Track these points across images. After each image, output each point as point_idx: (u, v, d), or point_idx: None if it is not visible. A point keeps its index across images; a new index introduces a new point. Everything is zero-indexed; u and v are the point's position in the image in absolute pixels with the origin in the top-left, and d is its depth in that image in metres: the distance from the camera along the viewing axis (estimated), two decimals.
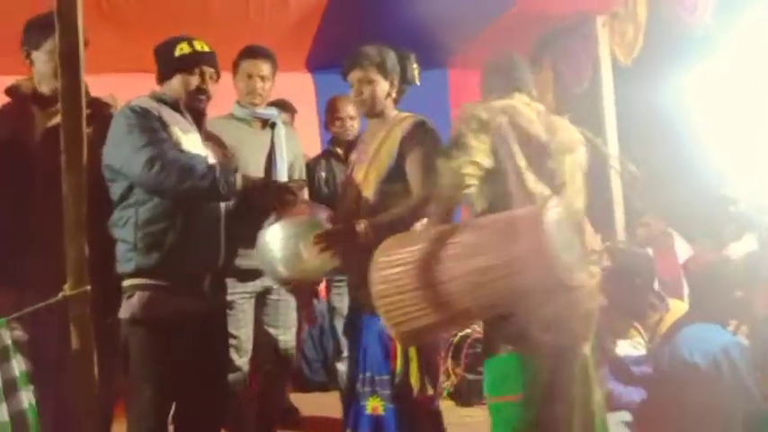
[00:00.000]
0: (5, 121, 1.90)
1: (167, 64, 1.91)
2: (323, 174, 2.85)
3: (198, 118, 1.93)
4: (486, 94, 1.98)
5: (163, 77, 1.92)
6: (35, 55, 1.91)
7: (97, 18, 2.79)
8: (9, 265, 1.79)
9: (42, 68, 1.89)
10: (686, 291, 2.70)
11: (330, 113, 2.93)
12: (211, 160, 1.86)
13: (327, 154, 2.94)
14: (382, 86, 2.01)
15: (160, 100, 1.87)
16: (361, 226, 1.83)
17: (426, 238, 1.61)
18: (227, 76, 2.43)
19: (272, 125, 2.41)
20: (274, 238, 1.81)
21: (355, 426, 1.89)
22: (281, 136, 2.39)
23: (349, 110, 2.78)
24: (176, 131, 1.81)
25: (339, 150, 2.88)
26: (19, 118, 1.89)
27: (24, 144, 1.87)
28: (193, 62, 1.88)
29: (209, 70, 1.90)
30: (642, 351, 2.40)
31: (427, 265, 1.52)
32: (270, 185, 1.97)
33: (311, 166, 2.81)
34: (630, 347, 2.41)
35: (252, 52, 2.37)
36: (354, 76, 2.00)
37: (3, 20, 2.23)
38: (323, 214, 1.89)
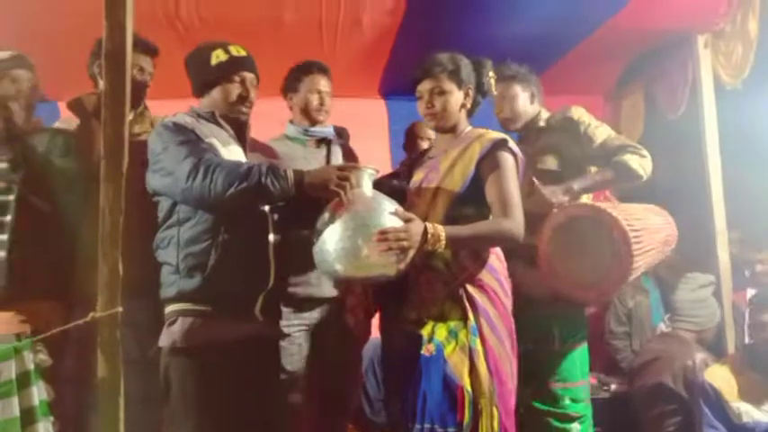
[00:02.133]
0: (66, 136, 1.90)
1: (205, 75, 1.80)
2: None
3: (239, 129, 1.82)
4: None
5: (200, 90, 1.82)
6: None
7: (175, 42, 2.83)
8: (61, 281, 1.76)
9: None
10: None
11: (409, 137, 2.79)
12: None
13: (395, 175, 2.77)
14: (456, 97, 1.84)
15: (196, 114, 1.78)
16: (434, 229, 1.63)
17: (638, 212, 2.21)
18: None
19: (329, 143, 2.29)
20: (331, 230, 1.59)
21: None
22: (339, 152, 2.26)
23: (430, 132, 2.62)
24: (214, 143, 1.71)
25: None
26: (80, 134, 1.88)
27: (84, 159, 1.85)
28: (233, 69, 1.78)
29: (249, 76, 1.79)
30: None
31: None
32: (326, 168, 1.73)
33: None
34: (764, 415, 2.05)
35: (311, 68, 2.26)
36: (425, 86, 1.83)
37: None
38: (389, 207, 1.65)
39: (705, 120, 3.17)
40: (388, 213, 1.62)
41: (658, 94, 3.62)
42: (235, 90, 1.77)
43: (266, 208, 1.73)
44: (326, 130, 2.30)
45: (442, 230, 1.64)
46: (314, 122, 2.26)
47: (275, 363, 1.84)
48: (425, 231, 1.62)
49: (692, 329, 2.80)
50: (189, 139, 1.67)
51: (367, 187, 1.68)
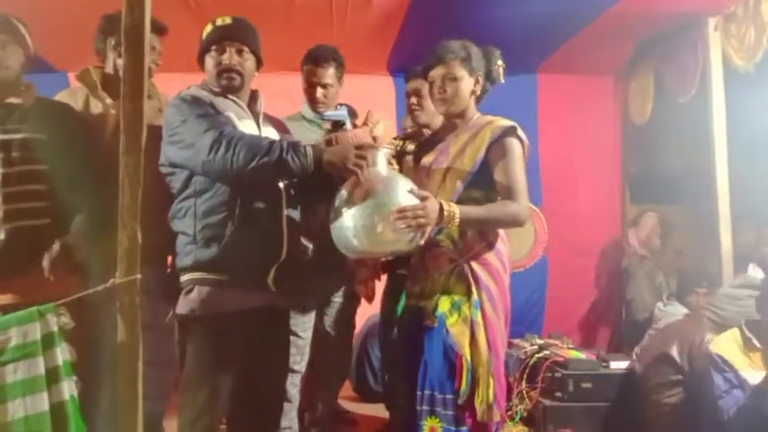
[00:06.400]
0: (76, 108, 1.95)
1: (200, 49, 1.82)
2: None
3: (251, 103, 1.83)
4: None
5: (201, 65, 1.83)
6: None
7: (187, 17, 2.84)
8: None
9: None
10: None
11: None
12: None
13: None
14: (467, 83, 1.87)
15: (209, 88, 1.80)
16: (449, 207, 1.69)
17: None
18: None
19: (342, 125, 2.32)
20: (349, 208, 1.66)
21: None
22: None
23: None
24: (232, 117, 1.73)
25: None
26: (87, 105, 1.93)
27: (93, 130, 1.89)
28: (214, 39, 1.77)
29: (232, 44, 1.76)
30: None
31: None
32: (345, 147, 1.70)
33: None
34: None
35: (312, 58, 2.31)
36: (437, 72, 1.87)
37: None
38: (406, 185, 1.70)
39: (713, 103, 3.16)
40: (405, 192, 1.67)
41: (668, 76, 3.60)
42: (218, 59, 1.76)
43: (281, 183, 1.76)
44: (342, 113, 2.32)
45: (456, 209, 1.70)
46: (314, 110, 2.37)
47: (285, 332, 1.90)
48: (441, 209, 1.67)
49: (713, 319, 2.74)
50: (208, 113, 1.68)
51: (383, 166, 1.74)
